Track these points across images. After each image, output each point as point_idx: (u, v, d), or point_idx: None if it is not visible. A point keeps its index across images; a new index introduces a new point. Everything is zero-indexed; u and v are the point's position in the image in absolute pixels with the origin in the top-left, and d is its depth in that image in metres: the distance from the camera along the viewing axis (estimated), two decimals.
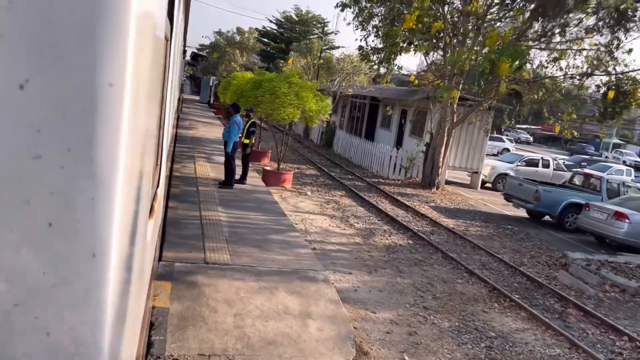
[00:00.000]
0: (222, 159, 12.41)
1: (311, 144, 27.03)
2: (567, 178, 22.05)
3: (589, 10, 11.80)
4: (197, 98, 41.30)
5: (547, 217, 15.04)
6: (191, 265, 6.39)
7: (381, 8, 17.20)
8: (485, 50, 12.86)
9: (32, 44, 0.78)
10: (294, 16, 45.13)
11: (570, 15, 11.65)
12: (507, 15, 14.91)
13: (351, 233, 10.65)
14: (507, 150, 42.01)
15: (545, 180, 20.42)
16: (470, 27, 15.94)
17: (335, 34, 54.20)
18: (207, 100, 38.38)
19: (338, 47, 41.25)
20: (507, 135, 50.11)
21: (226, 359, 4.52)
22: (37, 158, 0.81)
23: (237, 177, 11.51)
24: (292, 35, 43.09)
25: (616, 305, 8.45)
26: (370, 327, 6.38)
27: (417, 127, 20.78)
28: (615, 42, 12.56)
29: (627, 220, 11.86)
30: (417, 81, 16.69)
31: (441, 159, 17.50)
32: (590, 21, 12.56)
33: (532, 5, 11.44)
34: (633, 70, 14.59)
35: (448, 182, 19.14)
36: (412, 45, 17.47)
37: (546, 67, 15.53)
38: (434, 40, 15.26)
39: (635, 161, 49.91)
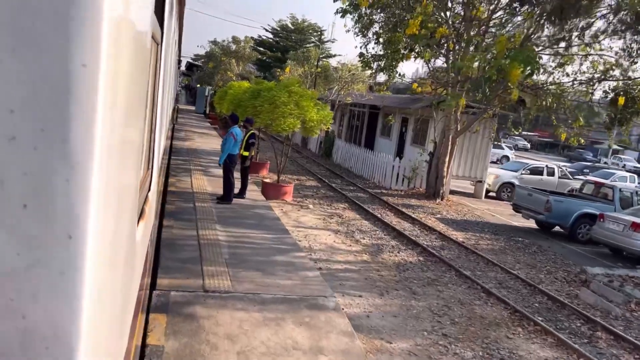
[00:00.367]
0: (220, 171, 11.84)
1: (309, 154, 26.48)
2: (573, 187, 21.69)
3: (606, 10, 11.30)
4: (193, 108, 40.77)
5: (557, 228, 14.50)
6: (189, 294, 5.77)
7: (381, 14, 16.73)
8: (489, 55, 12.33)
9: (4, 25, 0.79)
10: (290, 25, 44.75)
11: (589, 16, 11.14)
12: (513, 20, 14.44)
13: (358, 250, 10.05)
14: (507, 157, 41.58)
15: (551, 188, 19.98)
16: (473, 32, 15.48)
17: (332, 42, 53.94)
18: (203, 111, 37.84)
19: (334, 56, 40.87)
20: (505, 142, 49.73)
21: None
22: (11, 139, 0.81)
23: (236, 190, 10.91)
24: (288, 44, 42.69)
25: None
26: None
27: (418, 136, 20.25)
28: (635, 46, 12.06)
29: None
30: (419, 89, 16.16)
31: (445, 169, 16.96)
32: (601, 24, 12.08)
33: (548, 7, 10.89)
34: None
35: (451, 192, 18.58)
36: (413, 52, 17.00)
37: (552, 73, 15.05)
38: (437, 46, 14.73)
39: (634, 166, 49.60)
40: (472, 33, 15.47)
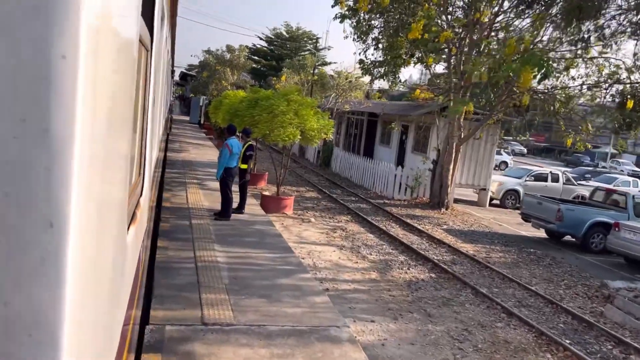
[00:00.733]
0: (216, 184, 11.25)
1: (307, 163, 25.89)
2: (578, 193, 21.20)
3: (617, 11, 10.82)
4: (187, 118, 40.21)
5: (567, 237, 13.95)
6: (186, 328, 5.15)
7: (380, 20, 16.25)
8: (498, 58, 11.80)
9: None
10: (285, 33, 44.32)
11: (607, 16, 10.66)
12: (518, 22, 13.95)
13: (365, 267, 9.44)
14: (505, 163, 41.17)
15: (556, 195, 19.46)
16: (475, 36, 15.01)
17: (329, 49, 53.56)
18: (198, 121, 37.29)
19: (330, 63, 40.44)
20: (503, 147, 49.35)
21: None
22: None
23: (235, 205, 10.29)
24: (283, 52, 42.23)
25: None
26: None
27: (420, 144, 19.72)
28: None
29: None
30: (422, 95, 15.65)
31: (450, 177, 16.41)
32: (614, 24, 11.56)
33: (564, 7, 10.36)
34: None
35: (455, 200, 18.00)
36: (413, 58, 16.51)
37: (558, 77, 14.57)
38: (442, 50, 14.21)
39: (632, 170, 49.32)
40: (474, 37, 15.01)
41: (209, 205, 10.80)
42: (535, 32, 12.43)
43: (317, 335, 5.34)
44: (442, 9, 14.09)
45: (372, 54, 16.41)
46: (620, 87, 14.56)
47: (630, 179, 28.76)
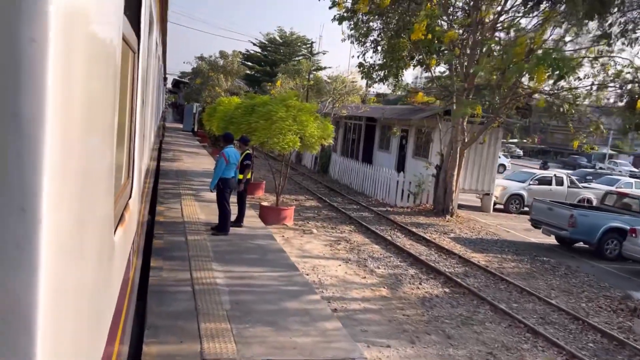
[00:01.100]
0: (212, 195, 10.63)
1: (305, 170, 25.28)
2: (584, 196, 20.70)
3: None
4: (180, 126, 39.57)
5: (578, 243, 13.42)
6: None
7: (378, 22, 15.72)
8: (507, 58, 11.25)
9: None
10: (278, 38, 43.78)
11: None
12: (524, 21, 13.43)
13: (374, 282, 8.83)
14: (503, 166, 40.71)
15: (561, 198, 18.94)
16: (479, 37, 14.50)
17: (324, 54, 53.12)
18: (191, 128, 36.67)
19: (324, 68, 39.93)
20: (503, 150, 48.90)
21: None
22: None
23: (233, 217, 9.66)
24: (277, 58, 41.65)
25: None
26: None
27: (421, 148, 19.16)
28: None
29: None
30: (425, 98, 15.11)
31: (454, 183, 15.86)
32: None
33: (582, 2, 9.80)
34: None
35: (458, 206, 17.42)
36: (413, 60, 15.98)
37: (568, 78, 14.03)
38: (449, 51, 13.63)
39: (630, 171, 49.03)
40: (477, 38, 14.50)
41: (206, 219, 10.17)
42: (544, 31, 11.85)
43: None
44: (443, 9, 13.56)
45: (371, 57, 15.79)
46: (629, 86, 14.07)
47: (633, 180, 28.30)
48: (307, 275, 8.61)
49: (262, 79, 39.20)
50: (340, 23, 14.39)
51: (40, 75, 0.82)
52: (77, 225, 1.07)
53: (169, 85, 47.82)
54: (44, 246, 0.84)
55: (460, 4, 15.77)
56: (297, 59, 39.37)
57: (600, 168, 48.70)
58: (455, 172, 15.72)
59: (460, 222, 15.40)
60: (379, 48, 16.04)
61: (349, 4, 15.00)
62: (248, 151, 10.40)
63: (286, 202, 14.19)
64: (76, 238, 1.08)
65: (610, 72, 14.08)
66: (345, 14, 14.50)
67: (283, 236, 11.25)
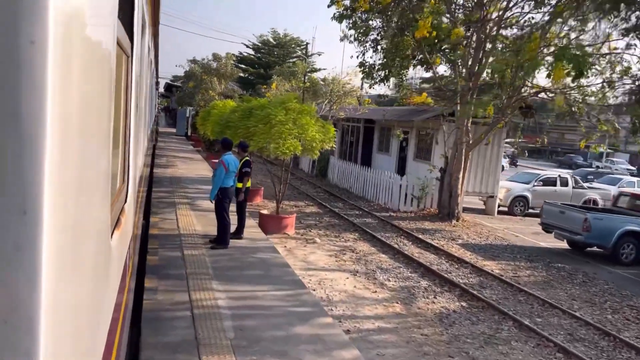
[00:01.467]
0: (209, 204, 10.01)
1: (302, 174, 24.65)
2: (589, 197, 20.20)
3: None
4: (174, 130, 38.84)
5: (590, 247, 12.89)
6: None
7: (379, 20, 15.13)
8: (516, 55, 10.68)
9: None
10: (272, 39, 43.16)
11: None
12: (530, 15, 12.85)
13: (386, 297, 8.22)
14: (502, 166, 40.24)
15: (566, 200, 18.44)
16: (482, 35, 13.97)
17: (319, 55, 52.55)
18: (185, 132, 35.97)
19: (319, 70, 39.35)
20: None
21: None
22: None
23: (232, 227, 9.02)
24: (270, 60, 41.05)
25: None
26: None
27: (422, 150, 18.60)
28: None
29: None
30: (429, 99, 14.55)
31: (460, 186, 15.30)
32: None
33: None
34: None
35: (462, 210, 16.89)
36: (414, 60, 15.42)
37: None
38: (453, 48, 13.07)
39: (627, 169, 48.77)
40: (481, 35, 13.96)
41: (203, 230, 9.54)
42: (557, 25, 11.27)
43: None
44: (446, 5, 12.99)
45: (371, 57, 15.21)
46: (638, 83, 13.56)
47: (635, 179, 27.89)
48: (314, 290, 8.00)
49: (256, 82, 38.59)
50: (340, 22, 13.81)
51: (41, 77, 0.82)
52: (76, 227, 1.08)
53: (161, 89, 47.09)
54: (45, 248, 0.84)
55: (461, 1, 15.24)
56: (291, 60, 38.78)
57: (597, 167, 48.32)
58: (461, 175, 15.17)
59: (467, 227, 14.84)
60: (379, 47, 15.47)
61: (347, 2, 14.43)
62: (247, 157, 9.78)
63: (286, 208, 13.57)
64: (75, 240, 1.08)
65: (617, 69, 13.59)
66: (344, 12, 13.90)
67: (285, 246, 10.63)
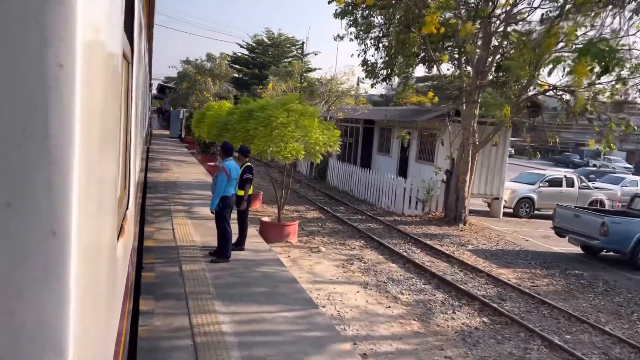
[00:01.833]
0: (206, 211, 9.39)
1: (300, 177, 24.01)
2: (595, 198, 19.71)
3: None
4: (167, 132, 38.13)
5: (604, 252, 12.36)
6: None
7: (382, 17, 14.54)
8: (534, 52, 10.10)
9: None
10: (266, 39, 42.48)
11: None
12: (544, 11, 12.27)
13: (401, 313, 7.61)
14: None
15: (572, 201, 17.94)
16: (492, 30, 13.42)
17: (315, 54, 51.96)
18: (178, 134, 35.26)
19: (315, 69, 38.76)
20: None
21: None
22: None
23: (233, 238, 8.39)
24: (265, 60, 40.38)
25: None
26: None
27: (425, 152, 18.02)
28: None
29: None
30: (436, 99, 13.98)
31: (467, 188, 14.74)
32: None
33: None
34: None
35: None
36: (417, 58, 14.85)
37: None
38: (459, 46, 12.48)
39: (625, 167, 48.47)
40: (490, 30, 13.39)
41: (201, 241, 8.91)
42: (582, 18, 10.63)
43: None
44: (455, 0, 12.42)
45: (373, 55, 14.63)
46: None
47: (638, 177, 27.46)
48: (324, 307, 7.38)
49: (251, 82, 37.93)
50: (342, 18, 13.21)
51: (69, 99, 0.82)
52: (96, 243, 1.07)
53: (154, 90, 46.30)
54: (73, 269, 0.84)
55: None
56: (286, 60, 38.15)
57: (595, 165, 47.97)
58: (468, 177, 14.61)
59: (475, 232, 14.28)
60: (381, 45, 14.87)
61: None
62: (248, 163, 9.15)
63: (286, 214, 12.95)
64: (96, 258, 1.08)
65: (627, 66, 13.08)
66: (346, 8, 13.29)
67: (289, 256, 10.00)
